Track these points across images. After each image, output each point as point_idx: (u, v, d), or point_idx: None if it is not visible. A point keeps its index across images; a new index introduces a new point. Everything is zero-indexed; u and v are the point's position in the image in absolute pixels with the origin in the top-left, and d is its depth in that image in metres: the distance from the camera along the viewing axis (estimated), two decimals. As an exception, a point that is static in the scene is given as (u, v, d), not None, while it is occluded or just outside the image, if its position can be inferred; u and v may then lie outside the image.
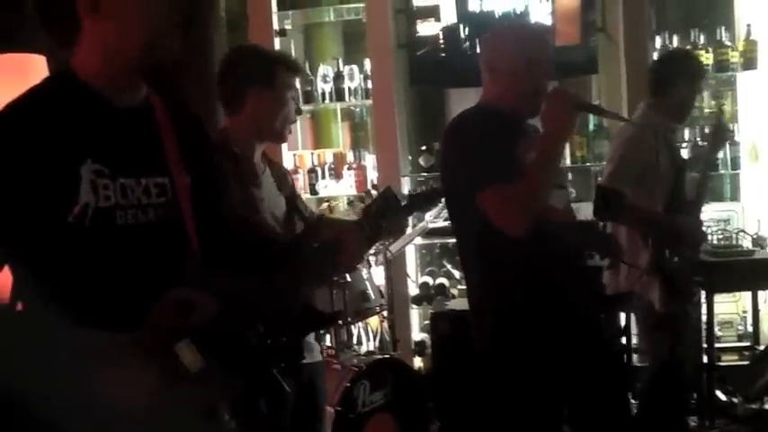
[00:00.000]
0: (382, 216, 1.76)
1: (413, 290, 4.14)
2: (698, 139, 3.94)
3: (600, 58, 3.93)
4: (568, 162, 3.99)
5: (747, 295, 3.84)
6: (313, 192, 4.21)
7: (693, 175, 3.07)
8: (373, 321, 3.96)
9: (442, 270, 4.26)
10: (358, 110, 4.59)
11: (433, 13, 3.95)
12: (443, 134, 2.13)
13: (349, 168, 4.19)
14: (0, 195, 1.24)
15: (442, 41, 3.94)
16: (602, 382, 2.14)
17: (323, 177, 4.22)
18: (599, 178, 3.46)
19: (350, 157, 4.27)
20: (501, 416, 2.10)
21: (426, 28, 3.98)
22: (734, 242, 3.58)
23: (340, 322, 3.05)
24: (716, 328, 3.63)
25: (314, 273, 1.76)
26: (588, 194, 3.76)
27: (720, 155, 3.77)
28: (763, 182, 3.95)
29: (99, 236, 1.29)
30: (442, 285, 4.09)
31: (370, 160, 4.18)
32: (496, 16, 3.88)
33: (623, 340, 3.45)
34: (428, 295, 4.09)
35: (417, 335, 4.19)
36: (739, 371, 3.75)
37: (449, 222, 2.25)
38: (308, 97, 4.17)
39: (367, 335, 4.04)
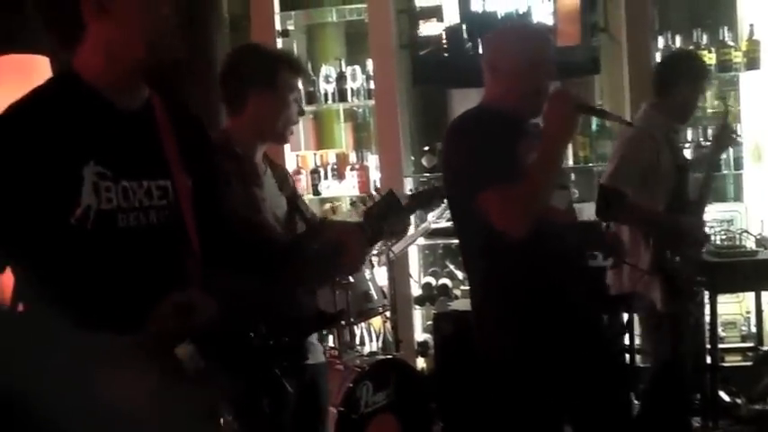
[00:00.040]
0: (384, 219, 1.76)
1: (416, 290, 4.14)
2: (701, 139, 3.93)
3: (602, 59, 3.92)
4: (571, 162, 3.99)
5: (751, 296, 3.83)
6: (316, 192, 4.22)
7: (697, 175, 3.07)
8: (376, 322, 3.96)
9: (444, 270, 4.26)
10: (361, 110, 4.59)
11: (435, 13, 3.95)
12: (445, 134, 2.13)
13: (352, 169, 4.19)
14: (2, 196, 1.24)
15: (445, 41, 3.94)
16: (603, 382, 2.14)
17: (326, 178, 4.22)
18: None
19: (353, 157, 4.27)
20: (503, 416, 2.10)
21: (429, 28, 3.97)
22: (737, 242, 3.57)
23: (343, 323, 3.05)
24: (719, 329, 3.62)
25: (315, 274, 1.76)
26: (591, 195, 3.75)
27: (723, 155, 3.76)
28: (767, 182, 3.95)
29: (100, 238, 1.29)
30: (444, 286, 4.09)
31: (372, 161, 4.18)
32: (499, 17, 3.88)
33: (626, 341, 3.45)
34: (431, 296, 4.09)
35: (420, 335, 4.19)
36: (743, 371, 3.75)
37: (451, 223, 2.25)
38: (311, 98, 4.17)
39: (370, 335, 4.04)
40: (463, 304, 3.59)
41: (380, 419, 3.02)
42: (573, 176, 4.01)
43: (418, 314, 4.20)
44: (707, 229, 3.34)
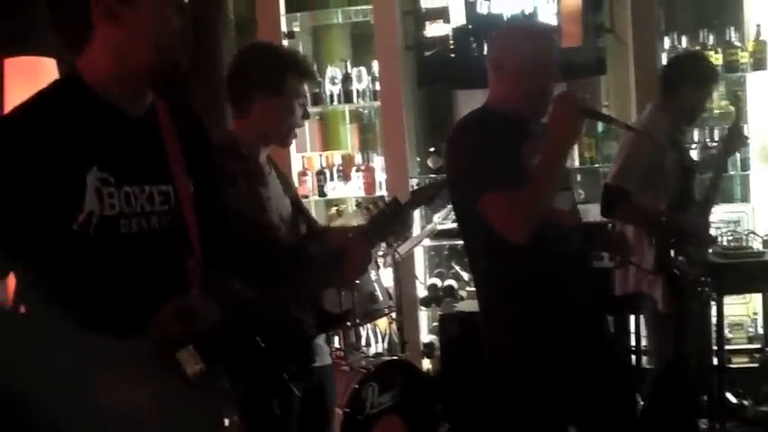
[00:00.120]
0: (388, 227, 1.76)
1: (421, 291, 4.13)
2: (707, 140, 3.92)
3: (608, 59, 3.92)
4: (577, 163, 3.98)
5: (758, 297, 3.82)
6: (321, 194, 4.22)
7: (705, 176, 3.06)
8: (382, 323, 3.96)
9: (450, 272, 4.26)
10: (366, 112, 4.59)
11: (441, 14, 3.96)
12: (449, 135, 2.13)
13: (357, 170, 4.19)
14: (5, 200, 1.24)
15: (451, 42, 3.94)
16: (607, 383, 2.13)
17: (331, 179, 4.22)
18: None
19: (358, 158, 4.27)
20: (509, 417, 2.10)
21: (434, 29, 3.98)
22: (744, 243, 3.57)
23: (348, 324, 3.05)
24: (726, 330, 3.61)
25: (319, 282, 1.76)
26: (597, 196, 3.74)
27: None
28: (773, 183, 3.94)
29: (102, 244, 1.29)
30: (450, 287, 4.09)
31: (378, 162, 4.18)
32: (505, 18, 3.88)
33: (632, 341, 3.44)
34: (437, 297, 4.09)
35: (426, 337, 4.19)
36: (749, 373, 3.74)
37: (457, 224, 2.24)
38: (317, 99, 4.18)
39: (375, 337, 4.04)
40: (469, 305, 3.59)
41: (386, 421, 3.02)
42: (579, 177, 4.01)
43: (424, 315, 4.20)
44: (713, 230, 3.33)
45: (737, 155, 3.83)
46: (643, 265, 2.75)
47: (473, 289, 2.29)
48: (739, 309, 3.94)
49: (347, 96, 4.20)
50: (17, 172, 1.23)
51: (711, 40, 3.90)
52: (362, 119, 4.70)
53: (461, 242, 2.26)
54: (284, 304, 1.68)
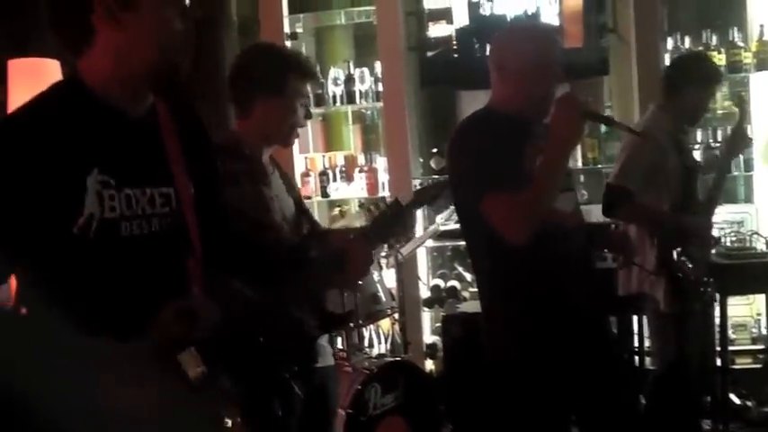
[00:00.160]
0: (390, 228, 1.76)
1: (424, 292, 4.13)
2: (711, 140, 3.92)
3: (611, 60, 3.92)
4: (580, 164, 3.98)
5: (761, 298, 3.80)
6: (324, 194, 4.22)
7: (709, 177, 3.06)
8: (384, 324, 3.96)
9: (453, 272, 4.25)
10: (369, 112, 4.59)
11: (444, 15, 3.96)
12: (451, 136, 2.12)
13: (360, 171, 4.19)
14: (5, 203, 1.23)
15: (454, 43, 3.94)
16: (610, 384, 2.13)
17: (334, 180, 4.22)
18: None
19: (361, 159, 4.27)
20: (511, 418, 2.10)
21: (437, 30, 3.98)
22: (747, 244, 3.56)
23: (351, 325, 3.05)
24: (729, 331, 3.61)
25: (320, 283, 1.76)
26: (599, 196, 3.74)
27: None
28: (777, 183, 3.93)
29: (103, 247, 1.29)
30: (453, 288, 4.08)
31: (381, 163, 4.18)
32: (508, 19, 3.88)
33: (635, 342, 3.44)
34: (439, 298, 4.08)
35: (429, 337, 4.18)
36: (753, 374, 3.73)
37: (459, 224, 2.25)
38: (319, 100, 4.18)
39: (378, 337, 4.04)
40: (472, 306, 3.59)
41: (389, 422, 3.03)
42: (582, 178, 4.00)
43: (427, 316, 4.20)
44: (717, 231, 3.32)
45: (741, 155, 3.83)
46: (645, 266, 2.75)
47: (476, 290, 2.30)
48: (743, 309, 3.94)
49: (350, 97, 4.20)
50: (17, 174, 1.23)
51: (714, 40, 3.89)
52: (365, 120, 4.70)
53: (464, 243, 2.26)
54: (286, 304, 1.68)
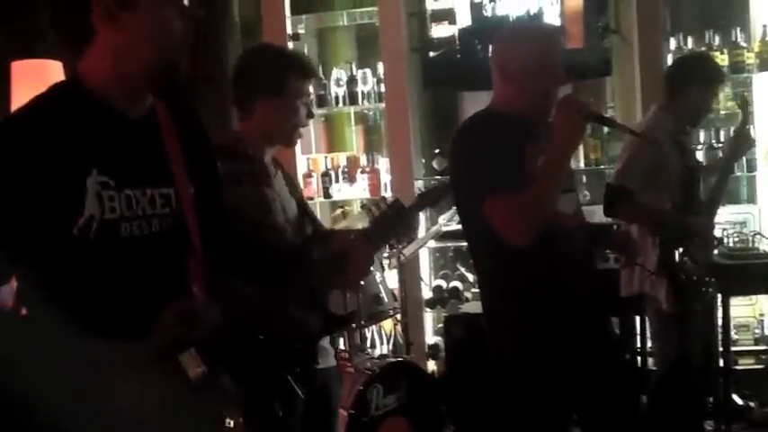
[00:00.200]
0: (391, 227, 1.76)
1: (426, 293, 4.14)
2: (713, 141, 3.91)
3: (614, 60, 3.91)
4: (582, 165, 3.98)
5: (764, 298, 3.81)
6: (327, 195, 4.23)
7: (712, 179, 3.05)
8: (387, 324, 3.96)
9: (455, 273, 4.26)
10: (371, 113, 4.60)
11: (446, 16, 3.96)
12: (453, 137, 2.12)
13: (362, 172, 4.20)
14: (5, 205, 1.23)
15: (457, 44, 3.94)
16: (612, 384, 2.13)
17: (336, 181, 4.23)
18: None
19: (363, 160, 4.28)
20: (513, 418, 2.10)
21: (440, 31, 3.98)
22: (750, 245, 3.55)
23: (353, 325, 3.05)
24: (732, 332, 3.60)
25: (321, 283, 1.76)
26: (602, 197, 3.74)
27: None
28: (780, 184, 3.92)
29: (103, 248, 1.29)
30: (455, 288, 4.09)
31: (383, 164, 4.18)
32: (511, 19, 3.88)
33: (638, 342, 3.44)
34: (442, 298, 4.09)
35: (431, 338, 4.18)
36: (756, 374, 3.73)
37: (461, 225, 2.25)
38: (322, 101, 4.18)
39: (380, 338, 4.04)
40: (474, 307, 3.59)
41: (391, 422, 3.03)
42: (584, 179, 4.00)
43: (429, 317, 4.20)
44: (719, 232, 3.32)
45: (744, 156, 3.82)
46: (647, 266, 2.75)
47: (478, 290, 2.29)
48: (746, 310, 3.93)
49: (352, 98, 4.20)
50: (17, 175, 1.23)
51: (717, 40, 3.89)
52: (368, 120, 4.71)
53: (466, 244, 2.27)
54: (287, 305, 1.68)
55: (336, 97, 4.21)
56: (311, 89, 2.24)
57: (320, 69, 4.21)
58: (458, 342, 3.51)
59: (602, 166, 3.98)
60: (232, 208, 1.67)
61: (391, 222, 1.79)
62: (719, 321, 3.37)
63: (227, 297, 1.39)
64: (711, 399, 3.41)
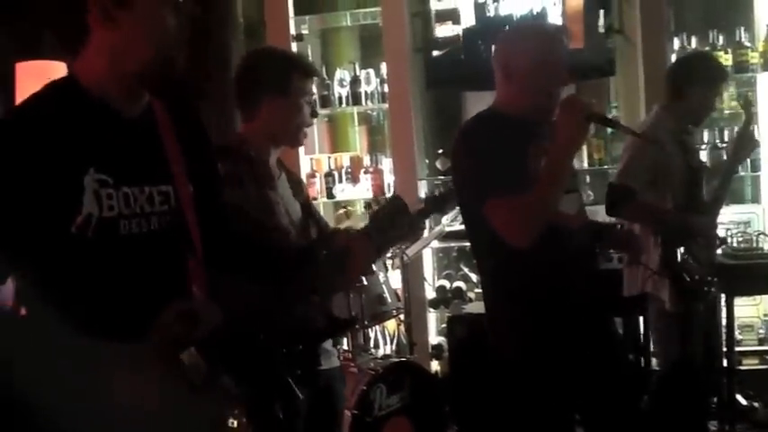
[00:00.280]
0: (391, 223, 1.76)
1: (430, 293, 4.14)
2: (717, 141, 3.91)
3: (618, 60, 3.91)
4: (585, 165, 3.97)
5: (768, 298, 3.80)
6: (330, 196, 4.23)
7: (716, 181, 3.05)
8: (390, 325, 3.96)
9: (458, 273, 4.26)
10: (375, 114, 4.60)
11: (450, 16, 3.96)
12: (455, 138, 2.12)
13: (366, 172, 4.20)
14: (3, 204, 1.23)
15: (461, 44, 3.94)
16: (614, 384, 2.13)
17: (340, 181, 4.23)
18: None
19: (367, 160, 4.28)
20: (516, 418, 2.10)
21: (443, 31, 3.98)
22: (754, 245, 3.54)
23: (357, 326, 3.06)
24: (736, 332, 3.59)
25: (323, 282, 1.76)
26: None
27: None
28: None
29: (102, 246, 1.29)
30: (458, 289, 4.09)
31: (386, 164, 4.19)
32: (514, 19, 3.87)
33: (641, 342, 3.43)
34: (445, 298, 4.09)
35: (434, 338, 4.19)
36: (760, 375, 3.72)
37: (464, 225, 2.25)
38: (325, 101, 4.19)
39: (384, 338, 4.04)
40: (477, 307, 3.59)
41: (394, 422, 3.03)
42: (587, 179, 4.00)
43: (432, 317, 4.20)
44: (723, 231, 3.31)
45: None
46: (649, 265, 2.75)
47: (481, 291, 2.30)
48: (749, 310, 3.92)
49: (356, 98, 4.21)
50: (13, 175, 1.23)
51: (721, 40, 3.88)
52: (371, 121, 4.71)
53: (469, 244, 2.27)
54: (288, 305, 1.68)
55: (340, 98, 4.22)
56: (314, 89, 2.25)
57: (323, 70, 4.22)
58: (461, 342, 3.50)
59: (605, 167, 3.98)
60: (233, 209, 1.67)
61: (391, 218, 1.79)
62: (723, 321, 3.36)
63: (228, 297, 1.39)
64: (715, 399, 3.40)
